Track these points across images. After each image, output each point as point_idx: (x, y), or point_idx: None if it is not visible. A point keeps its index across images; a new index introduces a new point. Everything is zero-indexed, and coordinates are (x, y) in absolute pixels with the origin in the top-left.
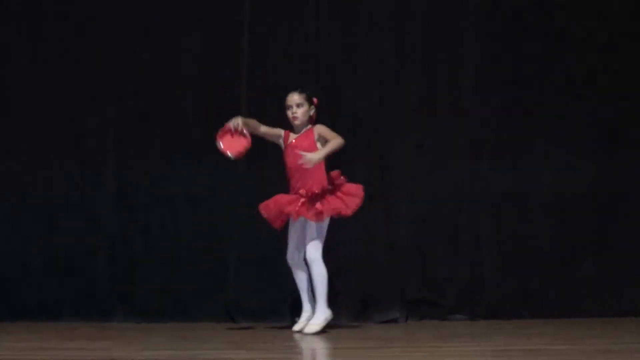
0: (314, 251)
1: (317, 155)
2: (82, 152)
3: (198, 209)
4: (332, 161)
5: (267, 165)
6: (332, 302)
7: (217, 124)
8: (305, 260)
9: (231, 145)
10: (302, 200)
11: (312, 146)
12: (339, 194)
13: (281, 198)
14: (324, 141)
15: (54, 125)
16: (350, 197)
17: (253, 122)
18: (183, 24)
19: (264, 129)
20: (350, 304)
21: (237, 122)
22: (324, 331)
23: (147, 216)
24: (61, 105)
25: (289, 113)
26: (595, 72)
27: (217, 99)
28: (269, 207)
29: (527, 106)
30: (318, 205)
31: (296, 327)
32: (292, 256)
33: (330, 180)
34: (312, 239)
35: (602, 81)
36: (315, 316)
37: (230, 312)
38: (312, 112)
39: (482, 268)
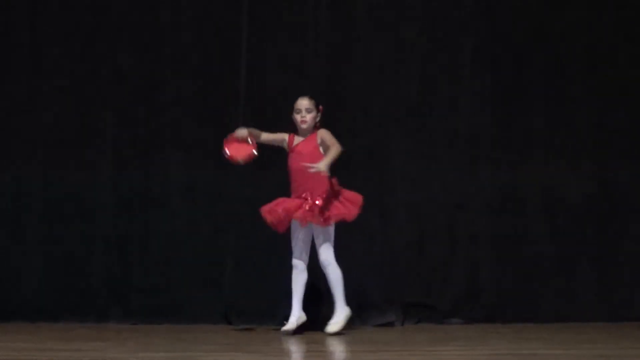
0: (328, 254)
1: (323, 164)
2: (79, 153)
3: (195, 210)
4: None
5: (265, 166)
6: (328, 306)
7: (215, 123)
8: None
9: (238, 151)
10: (309, 205)
11: (315, 150)
12: (341, 199)
13: (288, 204)
14: (326, 146)
15: (50, 126)
16: (351, 204)
17: (255, 131)
18: (181, 22)
19: (265, 136)
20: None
21: (243, 132)
22: (343, 332)
23: (145, 217)
24: (57, 105)
25: (298, 117)
26: (594, 75)
27: (216, 100)
28: (276, 212)
29: (525, 108)
30: (325, 211)
31: (285, 328)
32: (300, 259)
33: (331, 186)
34: (323, 243)
35: (601, 84)
36: (335, 315)
37: (227, 314)
38: (318, 118)
39: (479, 272)
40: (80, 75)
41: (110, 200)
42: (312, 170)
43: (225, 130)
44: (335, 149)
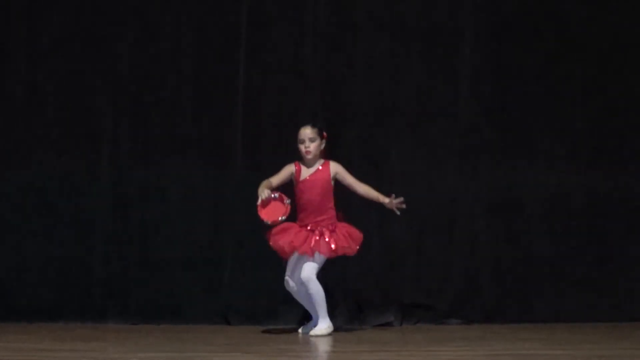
0: (310, 272)
1: (387, 199)
2: (78, 152)
3: (195, 211)
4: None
5: (265, 167)
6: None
7: (214, 124)
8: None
9: (274, 213)
10: (316, 238)
11: (327, 182)
12: (345, 233)
13: (294, 237)
14: (339, 180)
15: (49, 126)
16: (353, 241)
17: (269, 183)
18: (181, 22)
19: (276, 182)
20: (345, 307)
21: (265, 193)
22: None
23: (143, 217)
24: (57, 105)
25: (302, 147)
26: (593, 77)
27: (215, 99)
28: (280, 246)
29: (524, 110)
30: (332, 242)
31: (303, 330)
32: (292, 278)
33: (337, 218)
34: (311, 262)
35: (600, 86)
36: (318, 325)
37: (226, 315)
38: (322, 146)
39: (478, 272)
40: (80, 74)
41: (109, 200)
42: (390, 203)
43: (224, 131)
44: (369, 187)
